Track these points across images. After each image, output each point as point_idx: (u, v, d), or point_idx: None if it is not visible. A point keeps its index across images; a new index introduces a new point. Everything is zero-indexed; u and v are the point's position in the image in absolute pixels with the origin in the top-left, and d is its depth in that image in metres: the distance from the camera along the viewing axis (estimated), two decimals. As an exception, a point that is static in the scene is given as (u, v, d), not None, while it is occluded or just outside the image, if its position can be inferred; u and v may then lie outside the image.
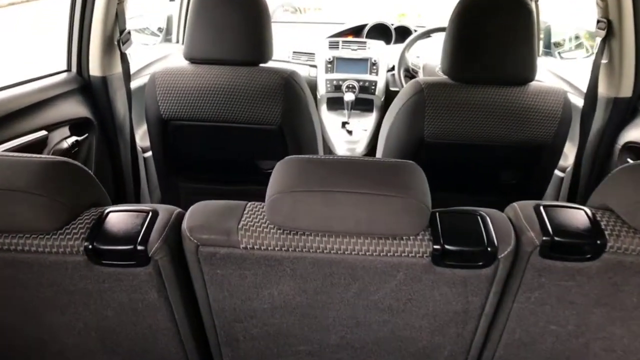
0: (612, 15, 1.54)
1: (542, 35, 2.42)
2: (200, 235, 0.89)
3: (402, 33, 2.78)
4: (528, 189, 1.65)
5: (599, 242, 0.86)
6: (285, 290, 0.94)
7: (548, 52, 2.52)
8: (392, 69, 2.57)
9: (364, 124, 2.47)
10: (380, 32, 2.82)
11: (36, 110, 1.56)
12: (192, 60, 1.58)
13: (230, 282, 0.93)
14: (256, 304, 0.97)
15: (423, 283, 0.91)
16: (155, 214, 0.92)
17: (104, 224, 0.89)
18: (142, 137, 2.05)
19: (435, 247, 0.86)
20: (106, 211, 0.92)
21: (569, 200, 1.81)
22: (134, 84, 1.92)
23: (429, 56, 2.48)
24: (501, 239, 0.88)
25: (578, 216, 0.90)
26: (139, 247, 0.86)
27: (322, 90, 2.54)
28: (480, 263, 0.88)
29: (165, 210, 0.93)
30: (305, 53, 2.67)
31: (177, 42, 2.56)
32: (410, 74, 2.56)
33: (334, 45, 2.60)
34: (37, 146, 1.56)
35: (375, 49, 2.59)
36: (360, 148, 2.42)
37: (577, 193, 1.78)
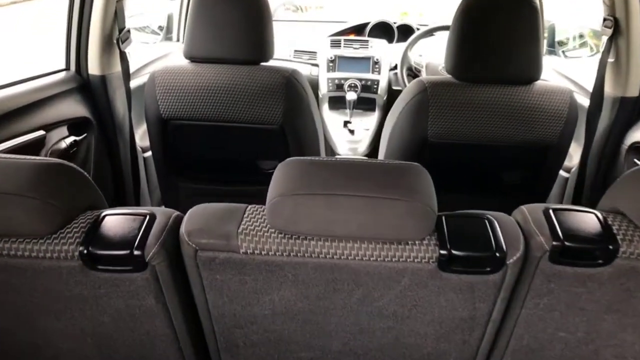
0: (618, 13, 1.52)
1: (546, 34, 2.41)
2: (199, 240, 0.86)
3: (405, 31, 2.77)
4: (533, 190, 1.63)
5: (611, 247, 0.83)
6: (286, 296, 0.92)
7: (552, 50, 2.51)
8: (395, 67, 2.56)
9: (366, 124, 2.45)
10: (383, 30, 2.81)
11: (34, 109, 1.54)
12: (193, 59, 1.56)
13: (230, 287, 0.91)
14: (257, 310, 0.95)
15: (429, 289, 0.89)
16: (153, 217, 0.90)
17: (99, 227, 0.87)
18: (141, 136, 2.03)
19: (442, 252, 0.84)
20: (102, 214, 0.89)
21: (574, 201, 1.80)
22: (134, 83, 1.90)
23: (432, 55, 2.46)
24: (510, 244, 0.86)
25: (589, 220, 0.88)
26: (136, 252, 0.84)
27: (323, 89, 2.52)
28: (488, 269, 0.86)
29: (162, 214, 0.91)
30: (306, 52, 2.65)
31: (178, 40, 2.54)
32: (412, 72, 2.54)
33: (335, 44, 2.58)
34: (35, 146, 1.54)
35: (378, 47, 2.57)
36: (362, 148, 2.40)
37: (583, 194, 1.76)
